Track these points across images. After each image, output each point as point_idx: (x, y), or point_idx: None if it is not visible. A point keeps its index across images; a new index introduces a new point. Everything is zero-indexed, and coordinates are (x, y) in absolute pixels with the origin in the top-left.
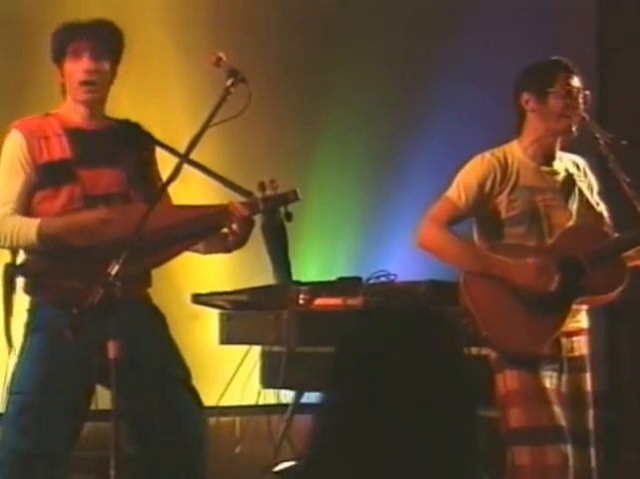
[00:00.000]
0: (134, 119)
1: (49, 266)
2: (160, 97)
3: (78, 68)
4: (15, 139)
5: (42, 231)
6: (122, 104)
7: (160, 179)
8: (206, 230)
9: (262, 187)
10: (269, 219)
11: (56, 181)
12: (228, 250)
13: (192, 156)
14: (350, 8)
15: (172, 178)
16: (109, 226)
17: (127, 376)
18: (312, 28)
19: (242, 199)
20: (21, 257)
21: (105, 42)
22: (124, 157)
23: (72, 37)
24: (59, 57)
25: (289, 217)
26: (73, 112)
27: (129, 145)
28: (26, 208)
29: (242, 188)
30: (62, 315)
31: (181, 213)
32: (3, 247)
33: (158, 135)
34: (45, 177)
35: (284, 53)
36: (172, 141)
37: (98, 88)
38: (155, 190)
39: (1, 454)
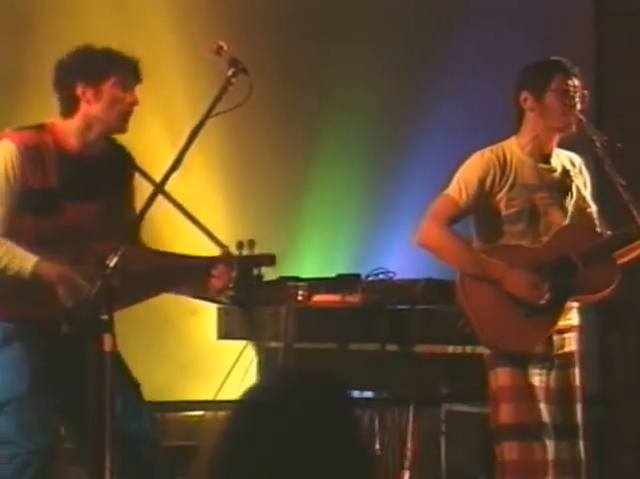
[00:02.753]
0: (135, 109)
1: (13, 291)
2: (160, 86)
3: (125, 98)
4: (8, 152)
5: (36, 271)
6: None
7: (134, 207)
8: (183, 280)
9: (240, 246)
10: (241, 276)
11: (37, 209)
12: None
13: (193, 150)
14: (351, 4)
15: (148, 204)
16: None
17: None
18: (312, 24)
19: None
20: None
21: (139, 81)
22: (106, 189)
23: (121, 67)
24: (99, 77)
25: (260, 278)
26: (74, 131)
27: (113, 173)
28: (13, 228)
29: (218, 239)
30: (30, 327)
31: (164, 260)
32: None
33: (159, 125)
34: (27, 202)
35: (284, 48)
36: (174, 130)
37: None
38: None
39: None
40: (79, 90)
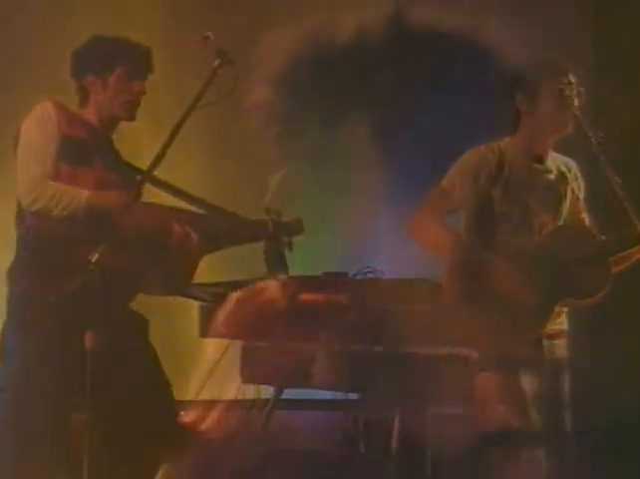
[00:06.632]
0: None
1: (36, 266)
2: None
3: (132, 88)
4: (44, 107)
5: (91, 199)
6: None
7: None
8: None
9: (268, 211)
10: (271, 244)
11: (74, 160)
12: None
13: (178, 146)
14: None
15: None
16: None
17: None
18: None
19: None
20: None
21: (149, 70)
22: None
23: (128, 57)
24: (105, 69)
25: (290, 246)
26: (89, 115)
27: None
28: (54, 176)
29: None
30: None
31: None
32: (48, 209)
33: (143, 118)
34: (65, 151)
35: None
36: (158, 123)
37: None
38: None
39: None
40: (89, 81)
